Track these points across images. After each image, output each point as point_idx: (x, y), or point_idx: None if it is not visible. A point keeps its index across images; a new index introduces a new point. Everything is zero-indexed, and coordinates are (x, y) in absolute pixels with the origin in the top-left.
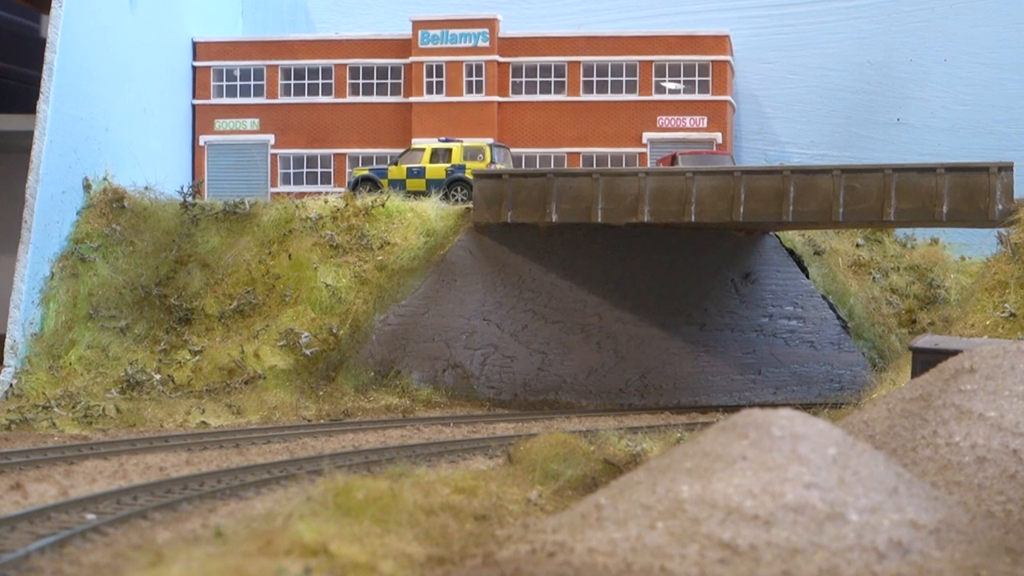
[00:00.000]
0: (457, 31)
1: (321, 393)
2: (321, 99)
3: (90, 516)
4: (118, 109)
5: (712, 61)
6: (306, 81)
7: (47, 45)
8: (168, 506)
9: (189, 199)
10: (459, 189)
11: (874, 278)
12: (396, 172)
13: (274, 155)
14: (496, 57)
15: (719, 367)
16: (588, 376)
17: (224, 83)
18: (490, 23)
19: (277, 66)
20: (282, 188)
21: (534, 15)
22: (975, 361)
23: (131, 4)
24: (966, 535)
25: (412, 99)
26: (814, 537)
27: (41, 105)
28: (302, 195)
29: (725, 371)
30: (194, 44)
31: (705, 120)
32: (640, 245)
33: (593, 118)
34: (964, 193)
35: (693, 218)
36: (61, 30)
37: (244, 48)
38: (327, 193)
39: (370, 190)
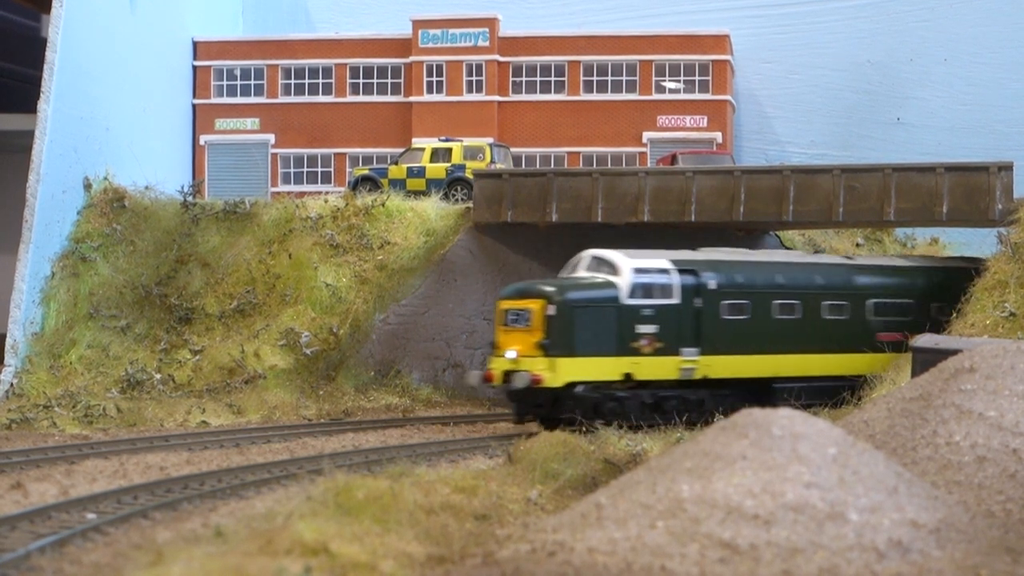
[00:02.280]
0: (457, 31)
1: (321, 393)
2: (321, 99)
3: (91, 515)
4: (119, 109)
5: (712, 61)
6: (306, 81)
7: (48, 45)
8: (168, 505)
9: (189, 199)
10: (459, 188)
11: None
12: (396, 172)
13: (274, 155)
14: (496, 57)
15: None
16: None
17: (224, 83)
18: (490, 23)
19: (277, 66)
20: (282, 188)
21: (534, 15)
22: (975, 361)
23: (131, 4)
24: (966, 534)
25: (412, 99)
26: (814, 536)
27: (42, 105)
28: (302, 195)
29: None
30: (194, 44)
31: (705, 120)
32: (640, 245)
33: (593, 118)
34: (964, 193)
35: (693, 218)
36: (62, 30)
37: (244, 48)
38: (327, 193)
39: (370, 190)
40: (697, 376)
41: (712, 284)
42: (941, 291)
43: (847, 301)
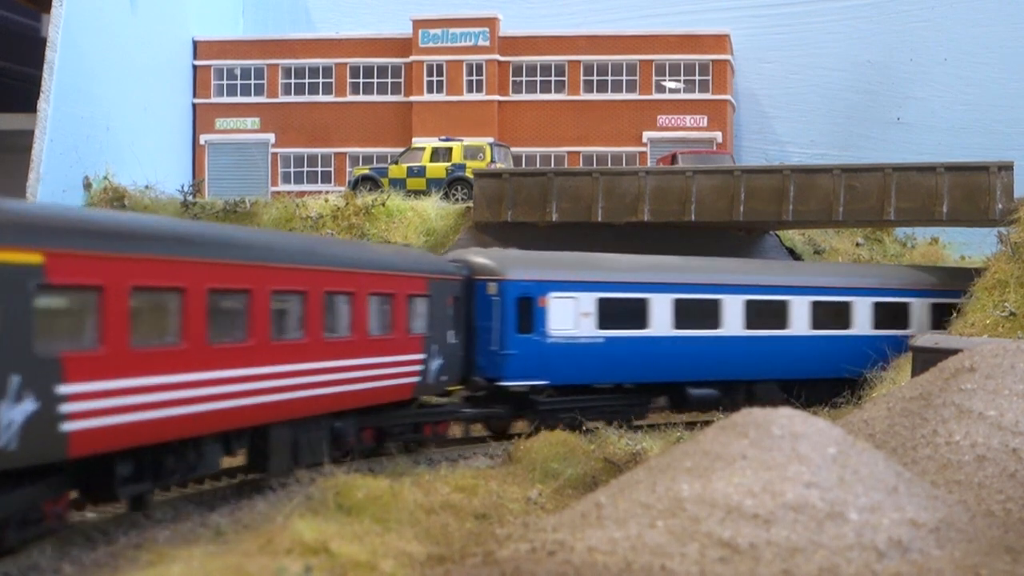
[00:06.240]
0: (457, 30)
1: None
2: (321, 98)
3: (91, 514)
4: (119, 108)
5: (712, 60)
6: (306, 80)
7: (48, 44)
8: (168, 504)
9: (189, 198)
10: (459, 188)
11: None
12: (396, 171)
13: (274, 154)
14: (496, 56)
15: None
16: None
17: (225, 82)
18: (490, 22)
19: (277, 65)
20: (282, 187)
21: (534, 14)
22: (975, 360)
23: (132, 3)
24: (966, 534)
25: (412, 98)
26: (814, 536)
27: (42, 104)
28: (302, 194)
29: None
30: (195, 43)
31: (705, 119)
32: (640, 244)
33: (593, 117)
34: (964, 192)
35: (693, 217)
36: (62, 29)
37: (245, 47)
38: (327, 192)
39: (370, 189)
40: None
41: None
42: None
43: None
